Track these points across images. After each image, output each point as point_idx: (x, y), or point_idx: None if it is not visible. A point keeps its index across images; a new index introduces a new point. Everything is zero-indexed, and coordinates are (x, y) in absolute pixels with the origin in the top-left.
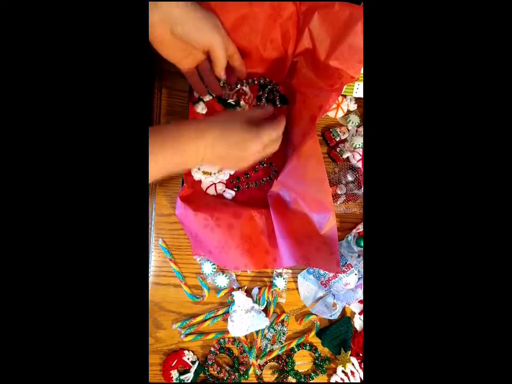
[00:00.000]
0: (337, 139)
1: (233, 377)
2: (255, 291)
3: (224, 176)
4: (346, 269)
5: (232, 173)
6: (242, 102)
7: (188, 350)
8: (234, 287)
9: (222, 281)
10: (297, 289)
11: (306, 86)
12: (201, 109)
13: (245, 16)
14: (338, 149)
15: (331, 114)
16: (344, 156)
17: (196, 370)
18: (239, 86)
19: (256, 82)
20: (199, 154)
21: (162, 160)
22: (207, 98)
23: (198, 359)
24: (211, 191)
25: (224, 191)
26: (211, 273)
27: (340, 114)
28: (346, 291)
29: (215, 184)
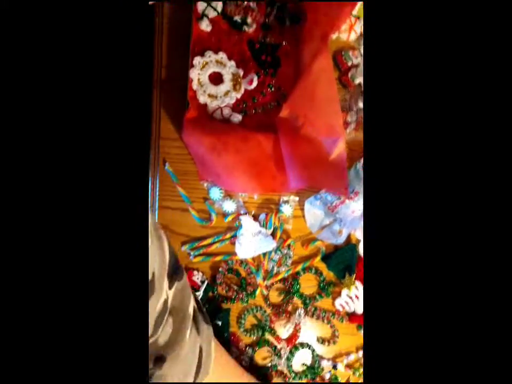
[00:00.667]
0: (349, 63)
1: (241, 296)
2: (262, 217)
3: (231, 100)
4: (354, 195)
5: (238, 96)
6: (249, 20)
7: (197, 271)
8: (242, 212)
9: (229, 206)
10: (303, 216)
11: (317, 3)
12: (205, 25)
13: None
14: (350, 73)
15: (343, 36)
16: (356, 82)
17: (204, 289)
18: (246, 2)
19: None
20: None
21: None
22: (212, 14)
23: (206, 279)
24: (217, 115)
25: (230, 115)
26: (218, 198)
27: (353, 36)
28: (353, 218)
29: (221, 108)
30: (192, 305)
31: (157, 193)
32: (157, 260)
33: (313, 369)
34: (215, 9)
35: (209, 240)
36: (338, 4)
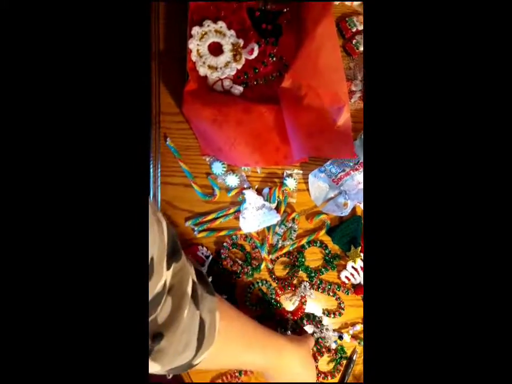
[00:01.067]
0: (354, 30)
1: (246, 270)
2: (265, 191)
3: (231, 71)
4: (359, 167)
5: (239, 67)
6: None
7: (202, 246)
8: (245, 187)
9: (232, 180)
10: (307, 190)
11: None
12: None
13: None
14: (355, 40)
15: (347, 2)
16: (361, 49)
17: (209, 264)
18: None
19: None
20: (287, 359)
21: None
22: None
23: (211, 254)
24: (218, 87)
25: (231, 87)
26: (221, 173)
27: (357, 1)
28: (358, 190)
29: (221, 79)
30: (190, 285)
31: (159, 169)
32: (157, 243)
33: (318, 340)
34: None
35: (213, 215)
36: None
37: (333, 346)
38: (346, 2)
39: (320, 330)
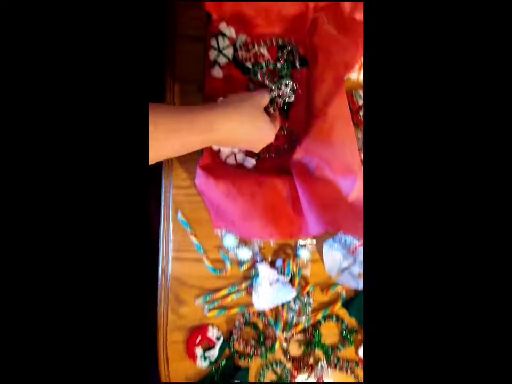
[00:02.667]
0: (360, 103)
1: (259, 351)
2: (279, 263)
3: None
4: None
5: None
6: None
7: (212, 326)
8: (258, 260)
9: (244, 254)
10: (321, 260)
11: (329, 43)
12: (217, 72)
13: None
14: (362, 113)
15: (353, 76)
16: None
17: (220, 346)
18: (256, 48)
19: (274, 43)
20: (221, 135)
21: (183, 136)
22: (223, 61)
23: (222, 335)
24: (231, 161)
25: (244, 160)
26: (233, 246)
27: (363, 76)
28: None
29: (234, 153)
30: None
31: (170, 244)
32: None
33: None
34: (226, 57)
35: (224, 292)
36: (350, 43)
37: None
38: (352, 77)
39: None
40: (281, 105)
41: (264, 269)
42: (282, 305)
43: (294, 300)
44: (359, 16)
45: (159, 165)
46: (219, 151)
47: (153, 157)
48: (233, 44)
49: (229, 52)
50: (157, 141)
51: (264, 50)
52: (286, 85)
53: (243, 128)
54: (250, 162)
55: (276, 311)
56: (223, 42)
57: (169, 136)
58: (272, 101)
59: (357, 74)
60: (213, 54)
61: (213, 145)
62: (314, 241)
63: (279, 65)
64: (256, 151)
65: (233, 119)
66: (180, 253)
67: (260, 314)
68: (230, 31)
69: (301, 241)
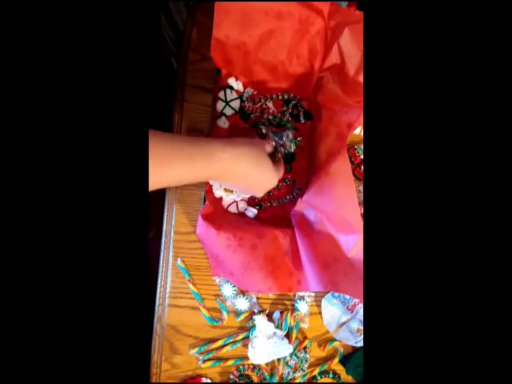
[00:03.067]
0: (362, 156)
1: None
2: (276, 315)
3: (246, 194)
4: None
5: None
6: (266, 116)
7: (206, 377)
8: (255, 311)
9: (242, 304)
10: (320, 313)
11: (333, 102)
12: (223, 123)
13: (273, 31)
14: (363, 166)
15: (356, 131)
16: None
17: None
18: (262, 101)
19: (280, 97)
20: (223, 165)
21: (181, 167)
22: (229, 112)
23: None
24: (232, 209)
25: (246, 209)
26: (231, 296)
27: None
28: None
29: (236, 202)
30: None
31: (167, 290)
32: None
33: None
34: (233, 108)
35: (219, 343)
36: (353, 104)
37: None
38: (354, 132)
39: None
40: (283, 153)
41: (261, 321)
42: (279, 359)
43: (291, 355)
44: (362, 79)
45: (160, 210)
46: (221, 198)
47: (154, 182)
48: (240, 95)
49: (236, 104)
50: (157, 165)
51: (270, 104)
52: (287, 136)
53: (246, 162)
54: (252, 211)
55: (272, 365)
56: (231, 95)
57: (171, 161)
58: (276, 149)
59: (359, 130)
60: (220, 106)
61: (213, 183)
62: (313, 293)
63: (283, 119)
64: (258, 194)
65: (238, 148)
66: (176, 300)
67: (255, 367)
68: (238, 85)
69: (300, 293)
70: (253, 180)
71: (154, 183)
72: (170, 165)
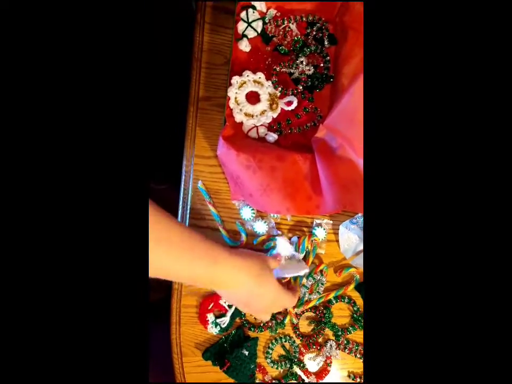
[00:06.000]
0: None
1: (269, 324)
2: (294, 239)
3: (267, 119)
4: None
5: (275, 115)
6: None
7: None
8: (273, 234)
9: (260, 227)
10: (337, 241)
11: (361, 23)
12: (244, 46)
13: None
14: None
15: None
16: None
17: (232, 314)
18: (286, 22)
19: (304, 19)
20: (229, 282)
21: (188, 268)
22: (252, 35)
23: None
24: (253, 134)
25: (266, 134)
26: (250, 219)
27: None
28: None
29: (256, 126)
30: None
31: (188, 211)
32: None
33: None
34: (255, 30)
35: None
36: None
37: None
38: None
39: None
40: (307, 82)
41: (283, 243)
42: (295, 280)
43: (307, 276)
44: None
45: (182, 137)
46: (241, 123)
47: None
48: (262, 17)
49: (258, 25)
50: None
51: (293, 26)
52: (302, 62)
53: (244, 273)
54: (272, 136)
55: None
56: (253, 15)
57: (168, 264)
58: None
59: None
60: (241, 26)
61: (233, 107)
62: (331, 221)
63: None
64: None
65: (241, 258)
66: (198, 221)
67: None
68: (260, 5)
69: (317, 220)
70: (250, 297)
71: (153, 270)
72: (176, 262)
